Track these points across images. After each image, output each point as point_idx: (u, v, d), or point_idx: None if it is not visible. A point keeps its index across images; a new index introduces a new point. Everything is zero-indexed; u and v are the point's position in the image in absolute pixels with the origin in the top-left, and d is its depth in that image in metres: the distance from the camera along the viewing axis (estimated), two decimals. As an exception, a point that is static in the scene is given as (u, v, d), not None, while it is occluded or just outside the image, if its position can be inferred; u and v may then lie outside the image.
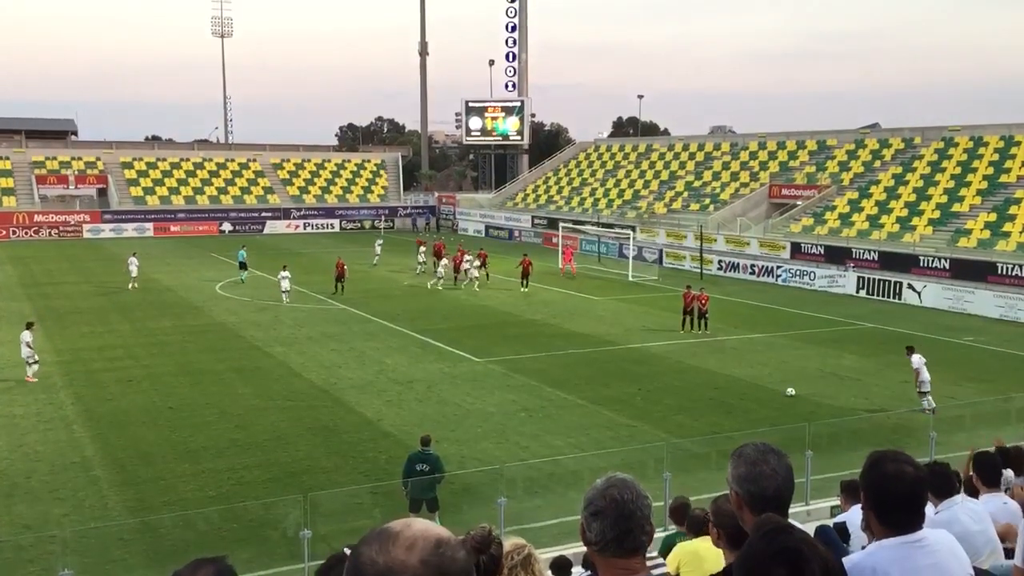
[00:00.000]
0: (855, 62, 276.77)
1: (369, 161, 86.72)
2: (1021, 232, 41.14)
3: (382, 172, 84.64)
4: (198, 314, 35.04)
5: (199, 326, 32.57)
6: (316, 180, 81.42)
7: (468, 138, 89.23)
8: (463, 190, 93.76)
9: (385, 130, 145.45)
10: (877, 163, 54.47)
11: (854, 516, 7.81)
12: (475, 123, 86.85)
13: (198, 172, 78.10)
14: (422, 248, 49.20)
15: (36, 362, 24.55)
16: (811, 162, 58.83)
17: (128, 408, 22.01)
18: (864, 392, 23.97)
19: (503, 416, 21.63)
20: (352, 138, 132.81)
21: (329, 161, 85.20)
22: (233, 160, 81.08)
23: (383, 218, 78.35)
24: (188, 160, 79.55)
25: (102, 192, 73.61)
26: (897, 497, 3.16)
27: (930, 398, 21.52)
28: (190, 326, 32.49)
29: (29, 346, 24.38)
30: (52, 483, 17.10)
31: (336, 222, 76.50)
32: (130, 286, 41.01)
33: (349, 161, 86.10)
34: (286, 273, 37.56)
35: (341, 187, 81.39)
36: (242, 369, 26.08)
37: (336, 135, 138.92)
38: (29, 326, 25.22)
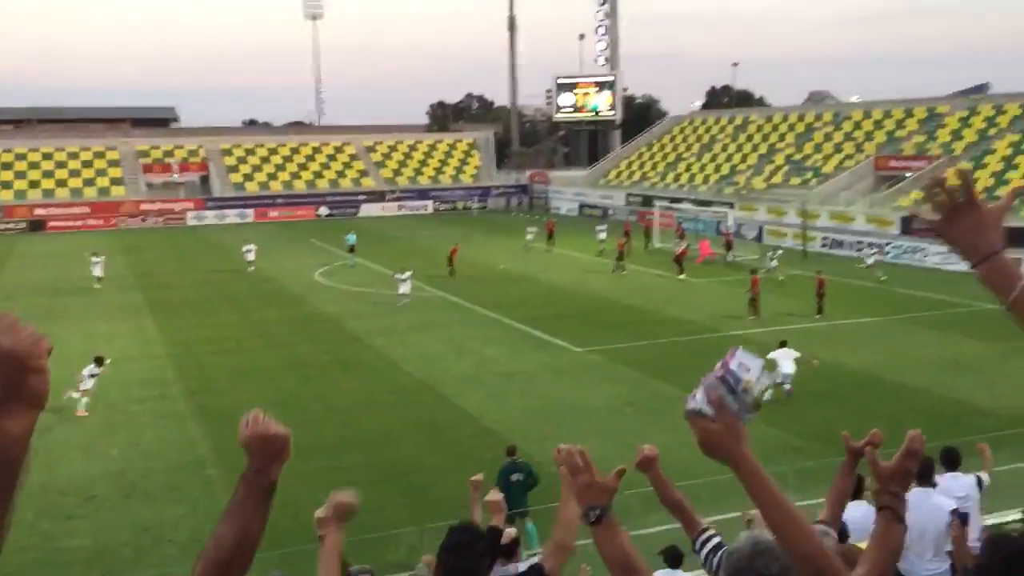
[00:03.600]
0: (962, 20, 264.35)
1: (461, 141, 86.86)
2: None
3: (473, 152, 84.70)
4: (300, 304, 35.61)
5: (302, 316, 33.08)
6: (409, 161, 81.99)
7: (559, 115, 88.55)
8: (554, 167, 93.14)
9: (475, 107, 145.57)
10: (992, 131, 51.77)
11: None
12: (566, 99, 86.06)
13: (294, 157, 79.53)
14: (531, 228, 50.12)
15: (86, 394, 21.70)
16: (920, 131, 56.31)
17: (238, 404, 22.37)
18: (986, 383, 22.73)
19: (608, 411, 21.27)
20: (443, 116, 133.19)
21: (421, 142, 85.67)
22: (328, 143, 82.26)
23: (476, 199, 78.45)
24: (285, 145, 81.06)
25: (204, 179, 75.66)
26: None
27: None
28: (293, 316, 33.03)
29: (93, 377, 21.79)
30: (168, 483, 17.53)
31: (430, 203, 76.94)
32: (249, 269, 42.77)
33: (441, 141, 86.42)
34: (406, 275, 34.09)
35: (434, 168, 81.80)
36: (346, 362, 26.35)
37: (427, 113, 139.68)
38: (99, 361, 22.22)
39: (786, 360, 21.68)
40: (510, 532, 9.70)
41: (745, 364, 2.28)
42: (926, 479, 8.90)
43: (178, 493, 17.01)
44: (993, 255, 2.31)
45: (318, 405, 22.17)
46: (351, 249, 45.00)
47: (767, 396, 16.81)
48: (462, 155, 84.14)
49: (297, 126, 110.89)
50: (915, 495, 7.78)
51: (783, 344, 22.44)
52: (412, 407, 21.99)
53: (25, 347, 1.55)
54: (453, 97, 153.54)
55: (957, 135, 53.23)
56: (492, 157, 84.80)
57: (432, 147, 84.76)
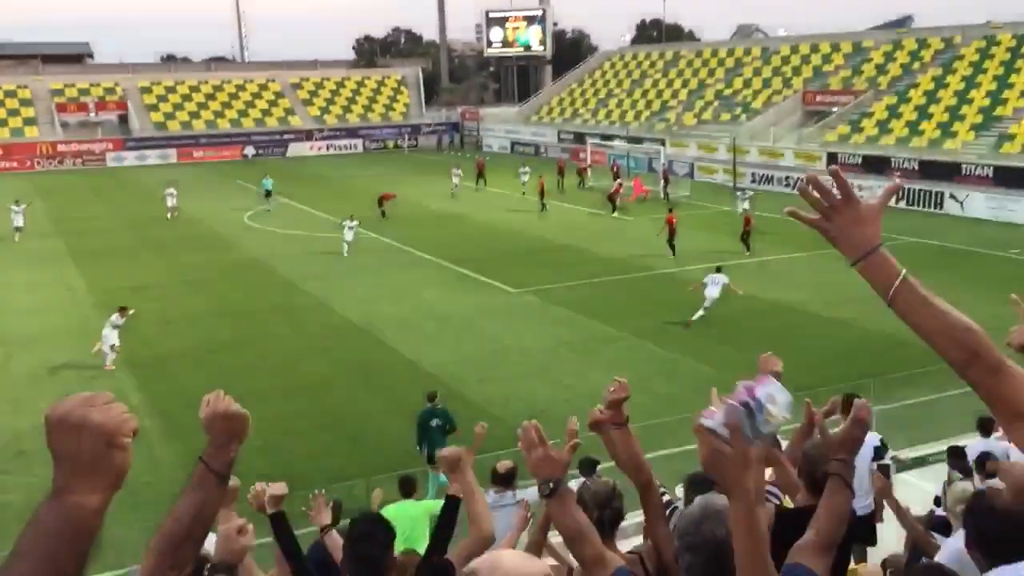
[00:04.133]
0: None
1: (389, 77, 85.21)
2: (1068, 136, 39.82)
3: (403, 88, 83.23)
4: (229, 248, 34.87)
5: (232, 261, 32.42)
6: (336, 99, 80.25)
7: (489, 50, 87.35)
8: (485, 104, 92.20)
9: (402, 41, 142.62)
10: (916, 65, 52.65)
11: None
12: (496, 34, 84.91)
13: (217, 95, 77.17)
14: (456, 171, 48.43)
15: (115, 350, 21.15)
16: (846, 66, 57.00)
17: (168, 353, 21.98)
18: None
19: (544, 352, 21.39)
20: (369, 51, 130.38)
21: (348, 79, 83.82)
22: (252, 81, 79.94)
23: (406, 137, 77.34)
24: (207, 82, 78.53)
25: (123, 119, 73.00)
26: None
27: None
28: (223, 261, 32.35)
29: (115, 327, 21.06)
30: (101, 436, 17.12)
31: (360, 142, 75.65)
32: (168, 215, 41.14)
33: (369, 78, 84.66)
34: (353, 223, 32.29)
35: (362, 105, 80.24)
36: (279, 307, 25.97)
37: (353, 48, 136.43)
38: (123, 311, 21.39)
39: (714, 286, 22.86)
40: (505, 463, 9.72)
41: (773, 396, 2.25)
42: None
43: (111, 447, 16.64)
44: (871, 252, 2.32)
45: (252, 352, 21.85)
46: (268, 194, 43.90)
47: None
48: (391, 92, 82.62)
49: (219, 61, 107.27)
50: None
51: (719, 269, 23.66)
52: (349, 352, 21.82)
53: (114, 424, 1.65)
54: (380, 31, 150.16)
55: (882, 69, 54.03)
56: (421, 94, 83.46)
57: (360, 84, 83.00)
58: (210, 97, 76.66)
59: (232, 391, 2.34)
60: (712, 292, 22.73)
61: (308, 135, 74.65)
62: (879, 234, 2.35)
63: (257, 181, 48.37)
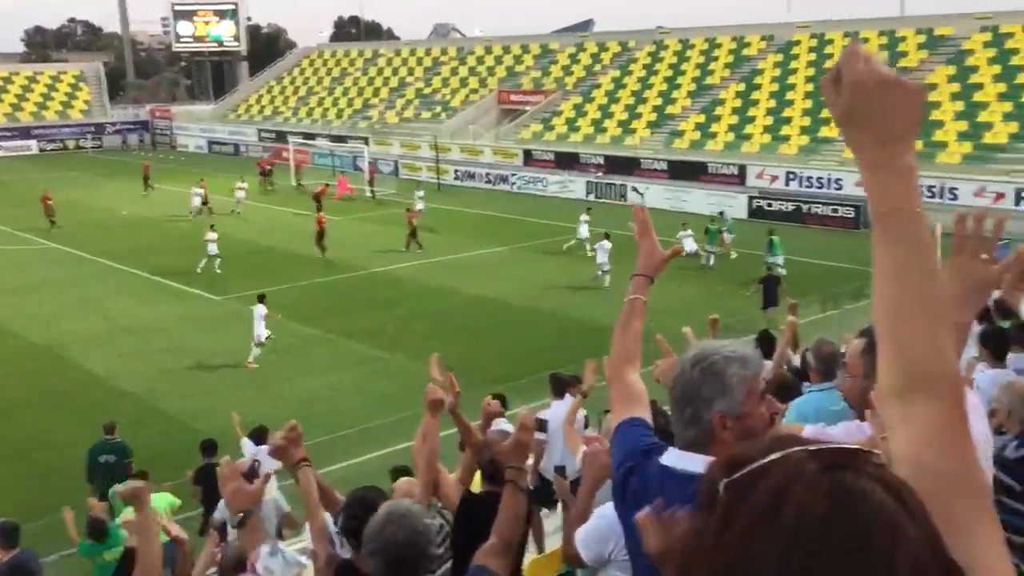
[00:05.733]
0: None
1: (65, 72, 78.22)
2: (727, 132, 44.59)
3: (82, 84, 76.75)
4: None
5: None
6: (4, 96, 72.50)
7: (179, 45, 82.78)
8: (177, 100, 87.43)
9: (79, 33, 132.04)
10: (597, 67, 56.55)
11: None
12: (185, 28, 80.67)
13: None
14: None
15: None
16: (536, 67, 60.06)
17: None
18: (604, 299, 24.99)
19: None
20: (41, 44, 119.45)
21: (18, 74, 76.03)
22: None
23: (89, 137, 71.45)
24: None
25: None
26: None
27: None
28: None
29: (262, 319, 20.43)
30: None
31: (33, 143, 68.88)
32: None
33: (42, 73, 77.26)
34: None
35: (35, 103, 73.10)
36: (-58, 332, 23.10)
37: (22, 40, 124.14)
38: (261, 299, 20.81)
39: (603, 251, 26.03)
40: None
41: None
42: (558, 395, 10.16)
43: None
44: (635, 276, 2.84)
45: (-90, 385, 19.29)
46: None
47: None
48: (68, 88, 75.91)
49: None
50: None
51: (607, 236, 23.65)
52: (31, 376, 19.87)
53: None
54: (53, 22, 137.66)
55: (568, 71, 57.52)
56: (104, 90, 77.45)
57: (32, 79, 75.52)
58: None
59: None
60: (601, 257, 26.01)
61: (-29, 136, 66.84)
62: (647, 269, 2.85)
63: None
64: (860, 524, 0.98)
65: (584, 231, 30.69)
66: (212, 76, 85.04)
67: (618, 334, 2.71)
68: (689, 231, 28.39)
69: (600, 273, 26.13)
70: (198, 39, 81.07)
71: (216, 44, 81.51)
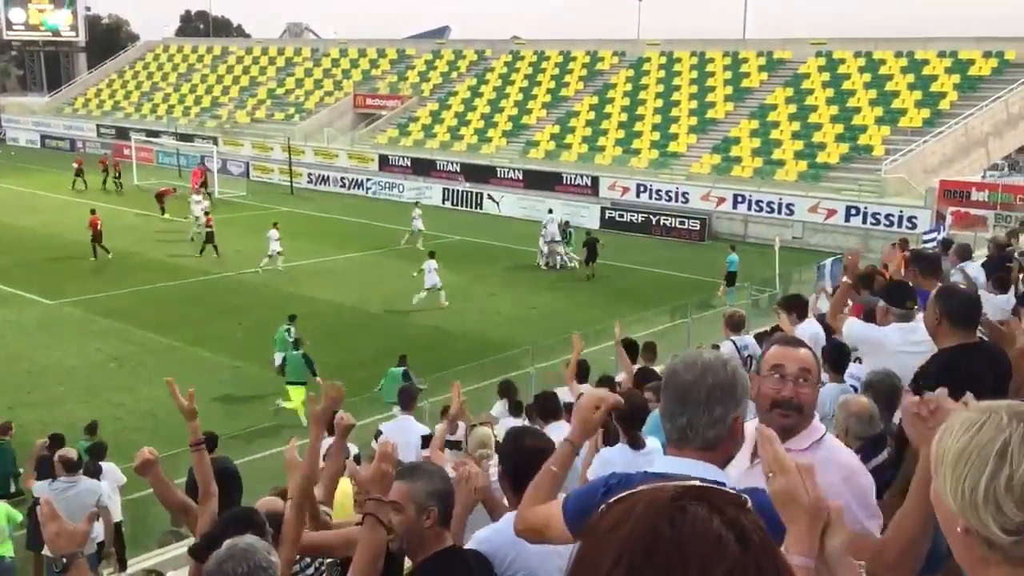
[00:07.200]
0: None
1: None
2: (580, 143, 45.50)
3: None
4: None
5: None
6: None
7: (10, 33, 77.69)
8: (8, 92, 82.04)
9: None
10: (454, 75, 56.64)
11: None
12: (17, 15, 75.87)
13: None
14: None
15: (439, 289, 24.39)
16: (392, 71, 59.62)
17: None
18: (457, 309, 25.04)
19: (89, 368, 19.60)
20: None
21: None
22: None
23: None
24: None
25: None
26: None
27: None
28: None
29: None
30: None
31: None
32: None
33: None
34: None
35: None
36: None
37: None
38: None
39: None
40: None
41: None
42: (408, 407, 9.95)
43: None
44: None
45: None
46: None
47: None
48: None
49: None
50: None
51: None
52: None
53: None
54: None
55: (424, 77, 57.34)
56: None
57: None
58: None
59: None
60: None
61: None
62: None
63: None
64: (686, 547, 1.13)
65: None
66: (47, 67, 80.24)
67: (531, 495, 2.71)
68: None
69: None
70: (31, 27, 76.36)
71: (51, 34, 76.99)
